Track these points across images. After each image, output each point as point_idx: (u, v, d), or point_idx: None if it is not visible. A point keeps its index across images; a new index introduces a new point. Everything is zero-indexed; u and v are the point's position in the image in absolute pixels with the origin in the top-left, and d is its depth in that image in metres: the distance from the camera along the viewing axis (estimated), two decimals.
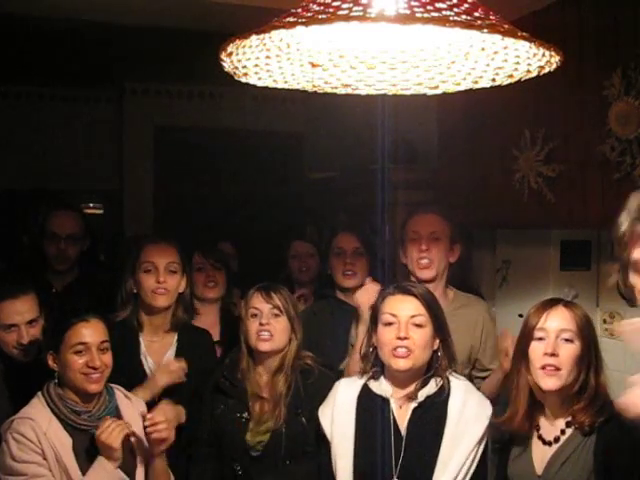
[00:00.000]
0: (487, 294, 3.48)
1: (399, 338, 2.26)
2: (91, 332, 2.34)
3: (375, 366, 2.37)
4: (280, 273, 3.60)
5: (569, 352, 2.10)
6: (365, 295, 2.68)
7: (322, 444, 2.38)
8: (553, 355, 2.09)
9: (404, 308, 2.30)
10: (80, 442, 2.32)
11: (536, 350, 2.12)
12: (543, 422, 2.18)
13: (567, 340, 2.11)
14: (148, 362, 2.76)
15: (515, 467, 2.20)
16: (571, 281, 3.10)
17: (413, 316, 2.29)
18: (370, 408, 2.32)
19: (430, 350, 2.32)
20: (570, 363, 2.09)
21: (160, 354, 2.79)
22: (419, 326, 2.28)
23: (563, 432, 2.13)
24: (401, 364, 2.27)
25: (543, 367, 2.10)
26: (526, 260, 3.22)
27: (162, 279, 2.72)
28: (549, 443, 2.14)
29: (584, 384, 2.12)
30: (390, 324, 2.29)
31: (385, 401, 2.31)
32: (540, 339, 2.12)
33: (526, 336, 2.16)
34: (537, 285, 3.15)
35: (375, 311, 2.38)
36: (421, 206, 3.03)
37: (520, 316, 3.22)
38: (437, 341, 2.33)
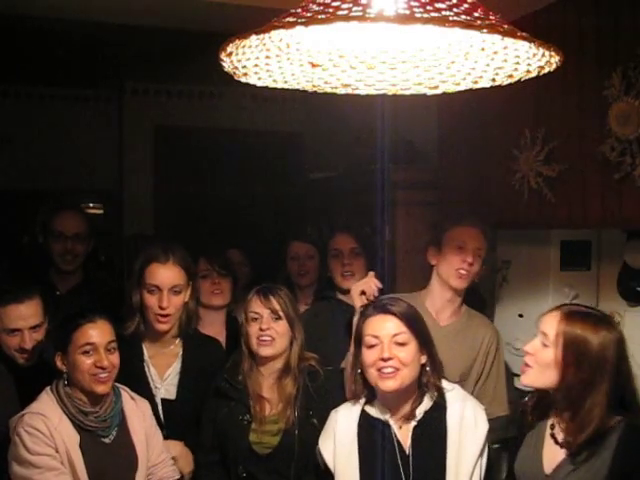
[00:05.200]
0: (487, 294, 3.48)
1: (383, 359, 2.23)
2: (98, 332, 2.35)
3: (366, 389, 2.34)
4: (278, 276, 3.57)
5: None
6: (358, 287, 2.68)
7: (324, 477, 2.35)
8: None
9: (385, 328, 2.27)
10: (85, 441, 2.34)
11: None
12: (559, 423, 2.11)
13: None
14: (151, 372, 2.71)
15: (523, 463, 2.17)
16: (571, 281, 3.10)
17: (395, 335, 2.25)
18: (371, 433, 2.29)
19: (417, 366, 2.29)
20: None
21: (164, 366, 2.74)
22: (402, 344, 2.25)
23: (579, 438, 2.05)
24: (389, 385, 2.24)
25: None
26: (526, 260, 3.22)
27: (165, 304, 2.64)
28: (562, 445, 2.08)
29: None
30: (373, 346, 2.26)
31: (385, 424, 2.29)
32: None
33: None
34: (537, 285, 3.15)
35: (358, 333, 2.35)
36: (469, 217, 2.97)
37: (520, 316, 3.22)
38: (424, 356, 2.30)
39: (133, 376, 2.60)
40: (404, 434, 2.27)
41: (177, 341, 2.78)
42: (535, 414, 2.16)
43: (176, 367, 2.75)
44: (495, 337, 2.87)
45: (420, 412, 2.28)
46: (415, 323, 2.31)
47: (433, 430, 2.26)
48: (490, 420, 2.37)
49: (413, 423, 2.27)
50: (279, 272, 3.56)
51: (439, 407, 2.29)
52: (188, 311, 2.77)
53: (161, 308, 2.65)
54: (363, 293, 2.64)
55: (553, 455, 2.10)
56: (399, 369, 2.23)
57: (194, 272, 2.85)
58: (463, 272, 2.78)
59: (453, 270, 2.78)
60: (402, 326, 2.27)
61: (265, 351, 2.57)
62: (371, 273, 2.74)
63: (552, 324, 2.07)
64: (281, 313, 2.58)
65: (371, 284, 2.65)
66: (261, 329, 2.55)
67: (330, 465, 2.32)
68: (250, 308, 2.60)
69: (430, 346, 2.33)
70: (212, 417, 2.62)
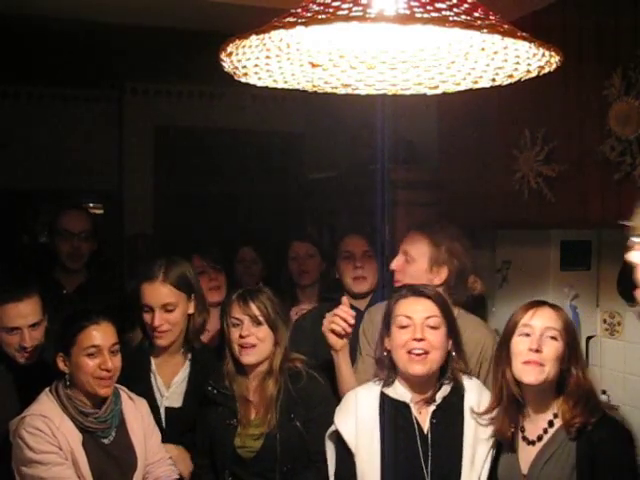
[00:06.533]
0: (487, 294, 3.48)
1: (415, 339, 2.26)
2: (103, 335, 2.35)
3: (389, 370, 2.36)
4: (280, 276, 3.57)
5: (553, 349, 2.12)
6: (326, 326, 2.56)
7: (344, 456, 2.35)
8: (537, 351, 2.11)
9: (419, 310, 2.31)
10: (86, 442, 2.33)
11: (520, 344, 2.15)
12: (527, 423, 2.21)
13: (552, 338, 2.13)
14: (157, 382, 2.71)
15: (502, 467, 2.23)
16: (571, 281, 3.10)
17: (428, 317, 2.29)
18: (392, 415, 2.31)
19: (445, 352, 2.32)
20: (553, 359, 2.12)
21: (170, 374, 2.74)
22: (434, 327, 2.29)
23: (546, 431, 2.15)
24: (418, 369, 2.27)
25: (526, 362, 2.13)
26: (526, 260, 3.22)
27: (157, 322, 2.64)
28: (532, 442, 2.17)
29: (567, 383, 2.14)
30: (405, 327, 2.29)
31: (406, 406, 2.32)
32: (526, 335, 2.15)
33: (510, 332, 2.20)
34: (537, 285, 3.15)
35: (388, 315, 2.37)
36: (418, 224, 2.90)
37: None
38: (450, 342, 2.34)
39: (139, 387, 2.60)
40: (423, 417, 2.31)
41: (182, 350, 2.78)
42: (510, 422, 2.22)
43: (182, 375, 2.75)
44: (491, 345, 2.70)
45: (439, 397, 2.32)
46: (445, 309, 2.35)
47: (451, 414, 2.30)
48: None
49: (432, 407, 2.31)
50: (281, 273, 3.55)
51: (457, 393, 2.33)
52: (194, 324, 2.76)
53: (154, 328, 2.65)
54: (333, 331, 2.54)
55: (527, 455, 2.18)
56: (429, 352, 2.26)
57: (197, 285, 2.81)
58: (396, 278, 2.72)
59: None
60: (435, 309, 2.31)
61: (248, 359, 2.54)
62: (344, 300, 2.61)
63: (554, 318, 2.16)
64: (261, 318, 2.53)
65: (341, 321, 2.53)
66: (241, 336, 2.52)
67: (350, 444, 2.33)
68: (230, 314, 2.56)
69: (456, 334, 2.37)
70: (204, 423, 2.61)
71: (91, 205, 6.06)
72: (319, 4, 1.18)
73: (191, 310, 2.74)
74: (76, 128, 5.73)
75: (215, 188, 5.68)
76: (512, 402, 2.20)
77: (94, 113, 5.85)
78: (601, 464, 2.03)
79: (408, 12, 1.15)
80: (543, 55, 1.28)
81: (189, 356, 2.78)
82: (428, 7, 1.15)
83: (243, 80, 1.45)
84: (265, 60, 1.37)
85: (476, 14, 1.18)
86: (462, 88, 1.49)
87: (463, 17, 1.15)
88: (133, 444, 2.44)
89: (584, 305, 3.11)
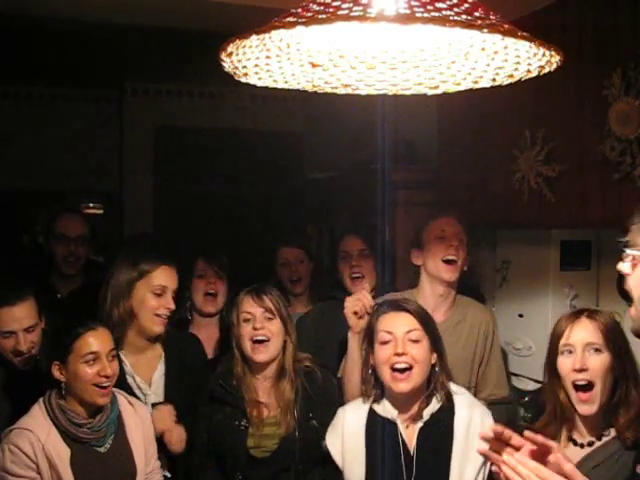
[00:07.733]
0: (487, 294, 3.48)
1: (397, 354, 2.24)
2: (100, 341, 2.29)
3: (376, 388, 2.34)
4: (268, 282, 3.51)
5: (598, 363, 2.02)
6: (350, 308, 2.58)
7: (333, 472, 2.36)
8: (582, 370, 2.01)
9: (399, 325, 2.29)
10: (79, 453, 2.28)
11: (564, 365, 2.05)
12: (577, 427, 2.10)
13: (596, 350, 2.03)
14: (137, 381, 2.64)
15: None
16: (571, 281, 3.10)
17: (409, 331, 2.27)
18: (378, 432, 2.30)
19: (428, 366, 2.30)
20: (601, 373, 2.01)
21: (148, 370, 2.68)
22: (416, 341, 2.27)
23: (600, 438, 2.06)
24: (402, 387, 2.25)
25: (576, 388, 2.02)
26: (526, 260, 3.22)
27: (172, 305, 2.64)
28: (581, 445, 2.08)
29: (619, 394, 2.03)
30: (386, 342, 2.27)
31: (392, 423, 2.30)
32: (569, 352, 2.05)
33: (553, 351, 2.10)
34: (537, 285, 3.15)
35: (370, 331, 2.36)
36: (439, 210, 2.98)
37: (520, 316, 3.23)
38: (434, 356, 2.32)
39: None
40: (410, 434, 2.28)
41: (157, 343, 2.74)
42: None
43: (161, 369, 2.70)
44: (491, 321, 2.90)
45: (427, 413, 2.29)
46: (427, 321, 2.33)
47: (439, 432, 2.27)
48: (496, 405, 2.45)
49: (420, 424, 2.28)
50: (269, 279, 3.50)
51: (447, 410, 2.30)
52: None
53: (168, 309, 2.63)
54: (356, 313, 2.57)
55: (572, 456, 2.03)
56: (412, 367, 2.24)
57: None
58: (451, 258, 2.78)
59: (440, 262, 2.80)
60: (416, 323, 2.29)
61: (260, 357, 2.51)
62: (364, 288, 2.68)
63: (594, 330, 2.05)
64: (274, 312, 2.53)
65: (361, 303, 2.56)
66: (255, 328, 2.49)
67: (338, 462, 2.33)
68: (242, 308, 2.54)
69: (440, 346, 2.35)
70: (207, 422, 2.56)
71: (91, 205, 6.07)
72: (319, 4, 1.18)
73: None
74: (76, 128, 5.73)
75: (215, 188, 5.68)
76: (564, 416, 2.10)
77: (94, 113, 5.86)
78: None
79: (408, 12, 1.15)
80: (543, 55, 1.28)
81: (163, 348, 2.72)
82: (428, 7, 1.15)
83: (243, 80, 1.45)
84: (265, 60, 1.37)
85: (476, 14, 1.18)
86: (462, 88, 1.49)
87: (464, 17, 1.15)
88: (132, 451, 2.37)
89: (584, 305, 3.11)
